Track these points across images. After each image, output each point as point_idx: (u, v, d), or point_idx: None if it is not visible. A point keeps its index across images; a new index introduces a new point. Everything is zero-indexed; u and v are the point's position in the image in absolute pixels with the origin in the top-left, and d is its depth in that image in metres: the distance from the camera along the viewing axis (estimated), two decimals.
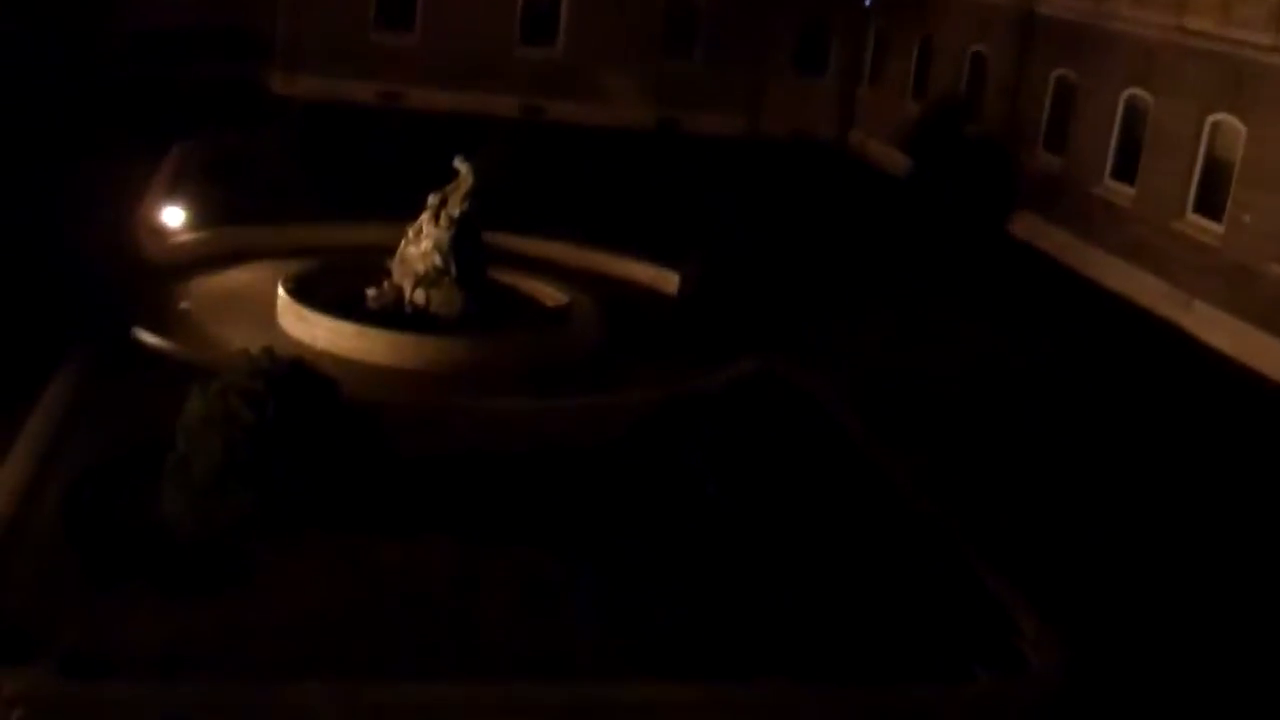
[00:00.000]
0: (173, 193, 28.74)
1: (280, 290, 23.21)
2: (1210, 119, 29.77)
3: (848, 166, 44.73)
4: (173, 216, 26.68)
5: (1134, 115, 32.58)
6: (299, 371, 16.48)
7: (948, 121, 39.08)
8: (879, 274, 30.91)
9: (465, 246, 23.17)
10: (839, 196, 39.69)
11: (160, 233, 26.47)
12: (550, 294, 25.21)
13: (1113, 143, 33.21)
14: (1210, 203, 29.62)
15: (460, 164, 23.40)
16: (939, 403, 22.72)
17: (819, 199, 38.86)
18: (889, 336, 26.03)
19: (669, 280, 27.87)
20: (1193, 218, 30.07)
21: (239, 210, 28.19)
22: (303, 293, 23.18)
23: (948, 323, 27.65)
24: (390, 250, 23.57)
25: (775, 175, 41.26)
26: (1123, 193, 32.62)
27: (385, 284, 23.45)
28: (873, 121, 46.33)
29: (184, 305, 23.55)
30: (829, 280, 29.74)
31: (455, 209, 23.18)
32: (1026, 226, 35.81)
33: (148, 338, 21.19)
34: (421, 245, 23.13)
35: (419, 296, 23.08)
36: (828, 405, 21.41)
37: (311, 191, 30.46)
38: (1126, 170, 32.60)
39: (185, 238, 26.60)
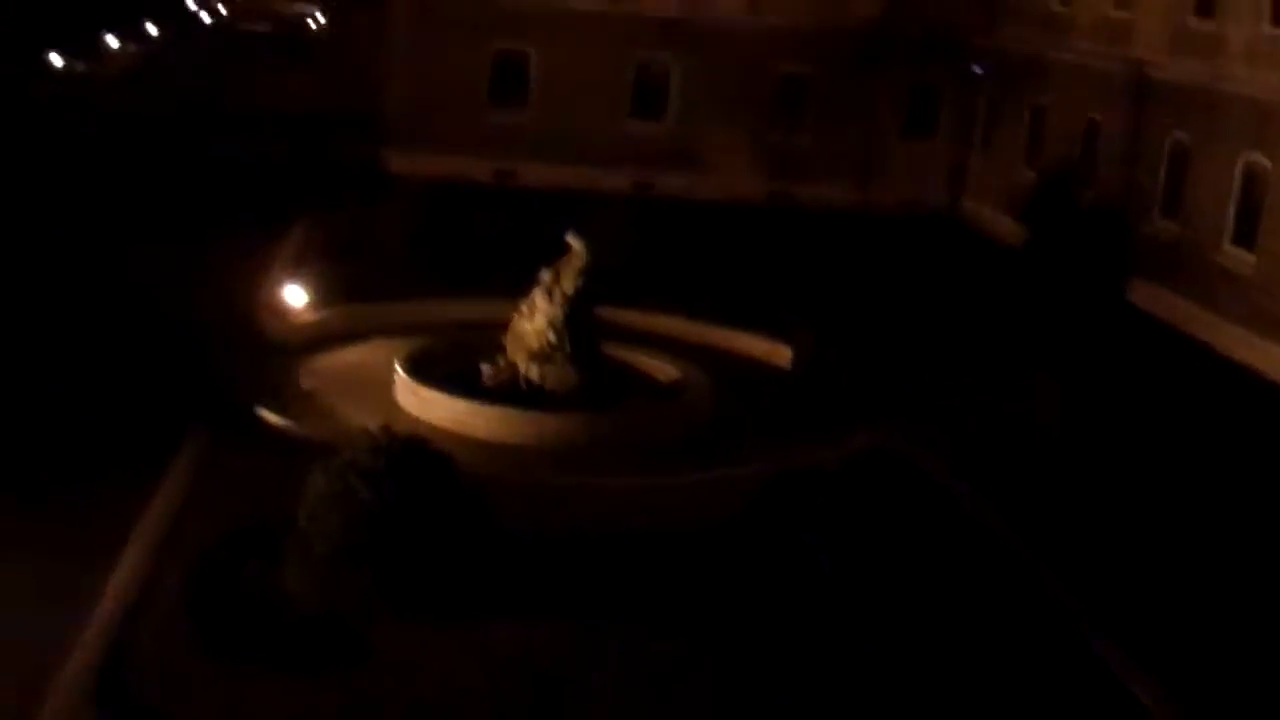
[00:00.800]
0: (295, 271, 29.41)
1: (397, 368, 23.58)
2: None
3: (960, 235, 44.42)
4: (295, 295, 27.30)
5: (1252, 179, 32.04)
6: (417, 450, 16.70)
7: (1063, 189, 38.72)
8: (997, 347, 30.57)
9: (578, 322, 23.38)
10: (953, 266, 39.42)
11: (283, 311, 27.08)
12: (663, 369, 25.31)
13: (1231, 208, 32.65)
14: None
15: (573, 239, 23.66)
16: (1063, 479, 22.34)
17: (933, 269, 38.62)
18: (1008, 412, 25.65)
19: (782, 354, 27.83)
20: None
21: (359, 288, 28.76)
22: (419, 370, 23.53)
23: (1069, 396, 27.19)
24: (505, 326, 23.86)
25: (887, 245, 41.11)
26: (1243, 259, 32.00)
27: (500, 360, 23.71)
28: (985, 189, 46.04)
29: (307, 385, 23.96)
30: (946, 353, 29.47)
31: (569, 285, 23.41)
32: (1145, 295, 35.25)
33: (270, 416, 21.64)
34: (535, 322, 23.36)
35: (533, 372, 23.29)
36: (945, 481, 21.18)
37: (429, 269, 30.99)
38: (1246, 236, 32.02)
39: (307, 316, 27.18)
